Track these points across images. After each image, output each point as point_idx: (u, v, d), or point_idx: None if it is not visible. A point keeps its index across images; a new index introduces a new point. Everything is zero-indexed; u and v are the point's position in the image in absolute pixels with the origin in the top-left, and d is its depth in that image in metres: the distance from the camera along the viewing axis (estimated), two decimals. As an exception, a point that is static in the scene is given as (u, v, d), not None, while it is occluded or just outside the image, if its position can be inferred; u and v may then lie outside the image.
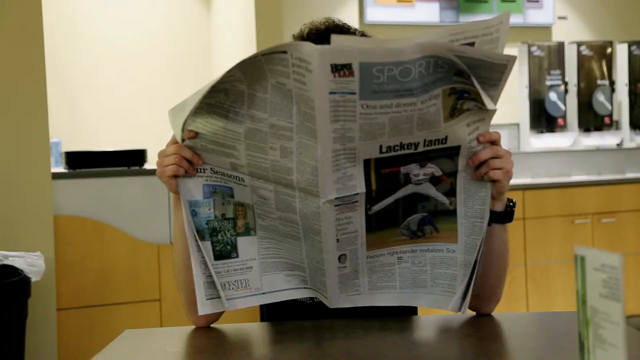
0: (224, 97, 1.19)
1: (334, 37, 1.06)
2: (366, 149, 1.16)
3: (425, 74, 1.10)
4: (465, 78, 1.14)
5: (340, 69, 1.06)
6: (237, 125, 1.21)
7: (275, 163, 1.21)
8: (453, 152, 1.22)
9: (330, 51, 1.06)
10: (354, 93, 1.09)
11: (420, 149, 1.19)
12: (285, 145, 1.19)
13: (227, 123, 1.22)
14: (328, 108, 1.10)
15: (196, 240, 1.30)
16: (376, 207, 1.24)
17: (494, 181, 1.25)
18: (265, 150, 1.21)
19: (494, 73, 1.14)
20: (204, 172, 1.29)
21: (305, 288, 1.35)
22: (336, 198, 1.19)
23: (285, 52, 1.10)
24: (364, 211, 1.23)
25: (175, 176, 1.29)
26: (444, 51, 1.09)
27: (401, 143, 1.17)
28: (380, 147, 1.17)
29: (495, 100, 1.18)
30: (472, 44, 1.12)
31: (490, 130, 1.24)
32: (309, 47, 1.07)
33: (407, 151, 1.19)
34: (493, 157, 1.24)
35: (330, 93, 1.08)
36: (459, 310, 1.30)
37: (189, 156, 1.27)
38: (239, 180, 1.28)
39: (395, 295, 1.34)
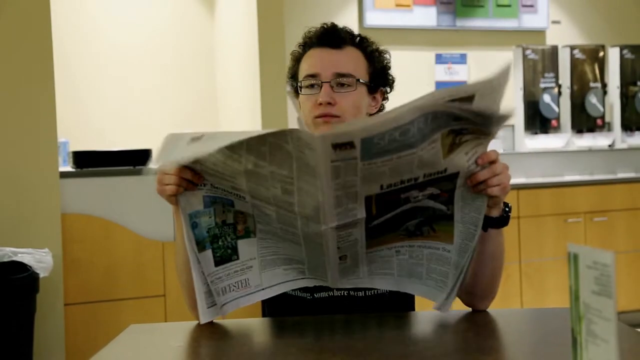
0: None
1: (334, 125, 1.10)
2: (367, 189, 1.18)
3: (423, 127, 1.11)
4: (463, 120, 1.14)
5: (342, 146, 1.08)
6: (237, 164, 1.20)
7: (277, 196, 1.22)
8: (452, 176, 1.23)
9: (331, 136, 1.07)
10: (355, 158, 1.11)
11: (420, 180, 1.21)
12: (287, 187, 1.19)
13: (227, 158, 1.20)
14: (330, 172, 1.12)
15: (196, 255, 1.30)
16: (376, 222, 1.25)
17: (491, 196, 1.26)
18: (267, 187, 1.21)
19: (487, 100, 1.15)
20: (204, 186, 1.29)
21: (303, 278, 1.36)
22: (337, 224, 1.21)
23: (284, 134, 1.11)
24: (364, 226, 1.25)
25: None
26: (443, 108, 1.11)
27: (401, 180, 1.19)
28: (382, 186, 1.19)
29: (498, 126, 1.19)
30: (472, 97, 1.12)
31: (489, 150, 1.24)
32: (309, 135, 1.09)
33: (407, 184, 1.21)
34: (491, 177, 1.24)
35: (332, 162, 1.11)
36: (440, 309, 1.33)
37: (189, 177, 1.28)
38: (240, 197, 1.29)
39: (392, 281, 1.36)
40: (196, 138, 1.18)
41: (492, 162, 1.24)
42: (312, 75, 1.53)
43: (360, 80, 1.53)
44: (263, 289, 1.35)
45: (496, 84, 1.12)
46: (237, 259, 1.33)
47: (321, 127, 1.50)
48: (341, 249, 1.27)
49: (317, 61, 1.52)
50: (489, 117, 1.15)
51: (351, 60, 1.54)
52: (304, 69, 1.55)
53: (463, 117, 1.14)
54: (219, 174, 1.25)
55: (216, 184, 1.28)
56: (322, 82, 1.51)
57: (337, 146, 1.09)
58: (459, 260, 1.30)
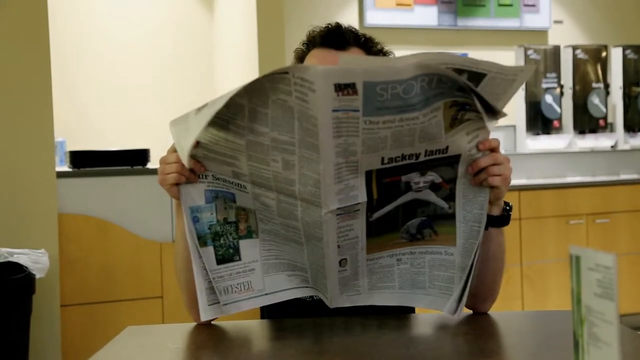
0: (225, 108, 1.16)
1: (341, 57, 1.08)
2: (368, 161, 1.16)
3: (427, 89, 1.10)
4: (467, 93, 1.14)
5: (344, 88, 1.06)
6: (238, 137, 1.19)
7: (277, 174, 1.20)
8: (453, 160, 1.23)
9: (334, 72, 1.05)
10: (357, 110, 1.09)
11: (422, 158, 1.20)
12: (287, 158, 1.17)
13: (227, 134, 1.20)
14: (331, 125, 1.09)
15: (197, 249, 1.29)
16: (377, 214, 1.24)
17: (492, 187, 1.26)
18: (267, 161, 1.20)
19: (498, 88, 1.15)
20: (206, 178, 1.29)
21: (306, 287, 1.35)
22: (338, 208, 1.19)
23: (286, 73, 1.08)
24: (365, 218, 1.23)
25: (177, 183, 1.29)
26: (446, 69, 1.09)
27: (403, 154, 1.18)
28: (382, 158, 1.17)
29: (501, 106, 1.18)
30: (482, 76, 1.12)
31: (490, 138, 1.24)
32: (312, 68, 1.06)
33: (408, 161, 1.19)
34: (492, 164, 1.24)
35: (334, 110, 1.08)
36: (454, 313, 1.32)
37: (191, 164, 1.26)
38: (241, 187, 1.27)
39: (393, 295, 1.35)
40: (200, 108, 1.17)
41: (493, 150, 1.25)
42: None
43: None
44: (266, 294, 1.34)
45: (511, 74, 1.13)
46: (240, 259, 1.32)
47: None
48: (341, 248, 1.25)
49: (319, 62, 1.51)
50: (486, 108, 1.15)
51: None
52: None
53: (467, 90, 1.13)
54: (220, 155, 1.24)
55: (217, 174, 1.27)
56: None
57: (339, 89, 1.06)
58: (464, 262, 1.29)
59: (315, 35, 1.54)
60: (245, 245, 1.32)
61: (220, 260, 1.31)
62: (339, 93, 1.06)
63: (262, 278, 1.33)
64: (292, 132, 1.14)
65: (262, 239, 1.32)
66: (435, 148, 1.19)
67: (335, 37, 1.52)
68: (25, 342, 2.89)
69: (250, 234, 1.32)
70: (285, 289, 1.35)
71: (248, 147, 1.20)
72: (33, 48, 3.11)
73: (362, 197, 1.20)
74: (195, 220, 1.30)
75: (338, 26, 1.53)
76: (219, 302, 1.32)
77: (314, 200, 1.19)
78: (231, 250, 1.31)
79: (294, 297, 1.36)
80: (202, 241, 1.30)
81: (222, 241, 1.31)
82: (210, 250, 1.30)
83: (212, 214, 1.30)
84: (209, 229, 1.30)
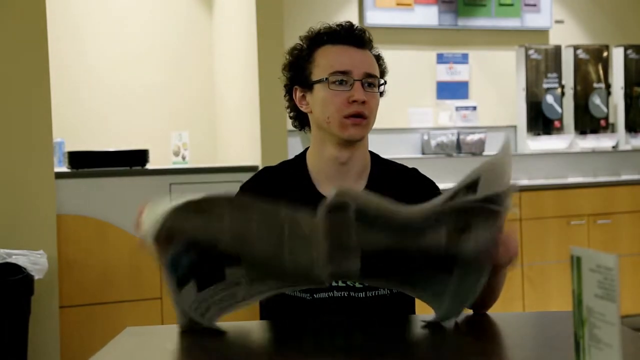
0: (204, 203, 1.19)
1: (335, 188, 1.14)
2: (364, 247, 1.20)
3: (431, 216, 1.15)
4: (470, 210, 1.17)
5: (336, 210, 1.13)
6: (219, 223, 1.19)
7: (266, 250, 1.22)
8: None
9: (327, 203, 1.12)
10: (349, 218, 1.14)
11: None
12: (276, 251, 1.19)
13: (207, 221, 1.21)
14: (325, 228, 1.15)
15: (177, 294, 1.28)
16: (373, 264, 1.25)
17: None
18: (252, 232, 1.20)
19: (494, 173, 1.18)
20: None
21: (295, 284, 1.33)
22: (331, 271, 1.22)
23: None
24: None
25: None
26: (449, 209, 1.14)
27: (403, 245, 1.21)
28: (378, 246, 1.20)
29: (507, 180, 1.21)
30: (477, 181, 1.14)
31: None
32: (305, 218, 1.12)
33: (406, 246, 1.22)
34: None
35: (328, 213, 1.14)
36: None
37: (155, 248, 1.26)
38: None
39: (389, 282, 1.34)
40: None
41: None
42: (343, 72, 1.51)
43: (383, 82, 1.56)
44: (252, 297, 1.31)
45: (499, 164, 1.16)
46: (224, 279, 1.28)
47: (350, 130, 1.50)
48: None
49: (347, 58, 1.52)
50: (498, 197, 1.17)
51: (374, 62, 1.56)
52: (330, 64, 1.53)
53: (469, 208, 1.16)
54: (200, 240, 1.24)
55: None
56: (354, 80, 1.51)
57: (331, 210, 1.14)
58: (458, 291, 1.26)
59: (331, 32, 1.53)
60: (229, 268, 1.28)
61: (202, 287, 1.27)
62: (330, 213, 1.13)
63: (248, 288, 1.30)
64: (281, 233, 1.17)
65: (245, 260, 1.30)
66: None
67: (359, 36, 1.54)
68: (23, 343, 2.88)
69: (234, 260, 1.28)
70: (272, 288, 1.32)
71: (232, 232, 1.20)
72: (32, 48, 3.10)
73: (356, 267, 1.21)
74: (174, 264, 1.26)
75: (354, 25, 1.55)
76: (201, 323, 1.31)
77: (306, 268, 1.20)
78: (216, 272, 1.28)
79: (284, 292, 1.36)
80: (182, 282, 1.27)
81: (204, 269, 1.27)
82: (190, 286, 1.27)
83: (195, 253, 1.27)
84: (189, 264, 1.27)
